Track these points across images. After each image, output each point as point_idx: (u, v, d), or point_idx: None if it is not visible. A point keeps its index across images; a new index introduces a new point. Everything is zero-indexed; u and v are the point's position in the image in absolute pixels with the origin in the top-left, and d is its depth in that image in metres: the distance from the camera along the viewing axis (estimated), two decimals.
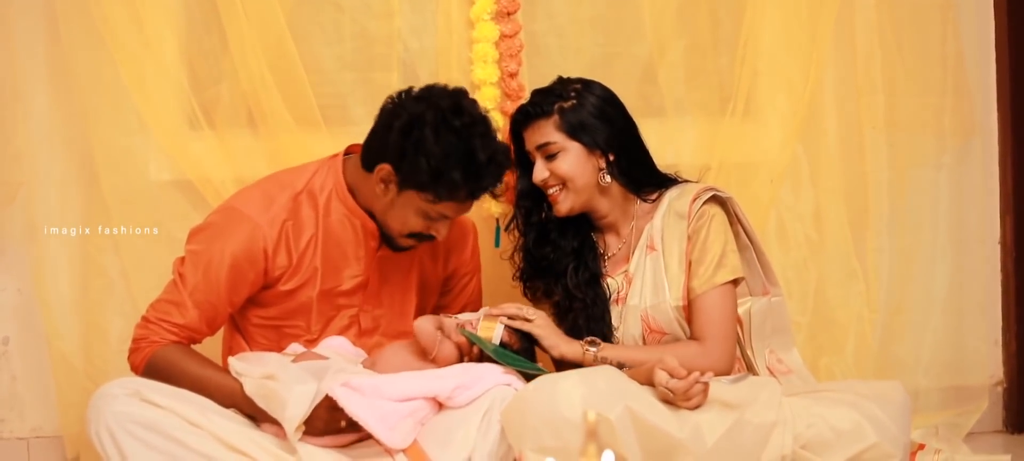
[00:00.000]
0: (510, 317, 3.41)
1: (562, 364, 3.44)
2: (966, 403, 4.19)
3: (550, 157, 3.47)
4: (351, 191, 3.42)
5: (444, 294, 3.70)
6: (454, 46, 3.89)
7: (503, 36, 3.89)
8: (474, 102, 3.36)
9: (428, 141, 3.22)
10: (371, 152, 3.34)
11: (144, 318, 3.36)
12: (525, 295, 3.66)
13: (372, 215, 3.41)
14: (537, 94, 3.55)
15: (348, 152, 3.48)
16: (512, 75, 3.89)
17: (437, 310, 3.64)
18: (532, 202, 3.59)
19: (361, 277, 3.47)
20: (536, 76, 3.89)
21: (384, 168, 3.28)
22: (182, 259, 3.38)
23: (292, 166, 3.55)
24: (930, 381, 4.18)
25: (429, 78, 3.89)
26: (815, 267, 4.10)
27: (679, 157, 3.94)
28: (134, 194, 3.85)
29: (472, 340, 3.35)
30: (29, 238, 3.90)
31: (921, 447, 3.64)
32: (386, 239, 3.43)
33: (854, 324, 4.09)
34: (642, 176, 3.55)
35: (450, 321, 3.38)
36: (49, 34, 3.84)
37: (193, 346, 3.39)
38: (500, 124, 3.89)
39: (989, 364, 4.27)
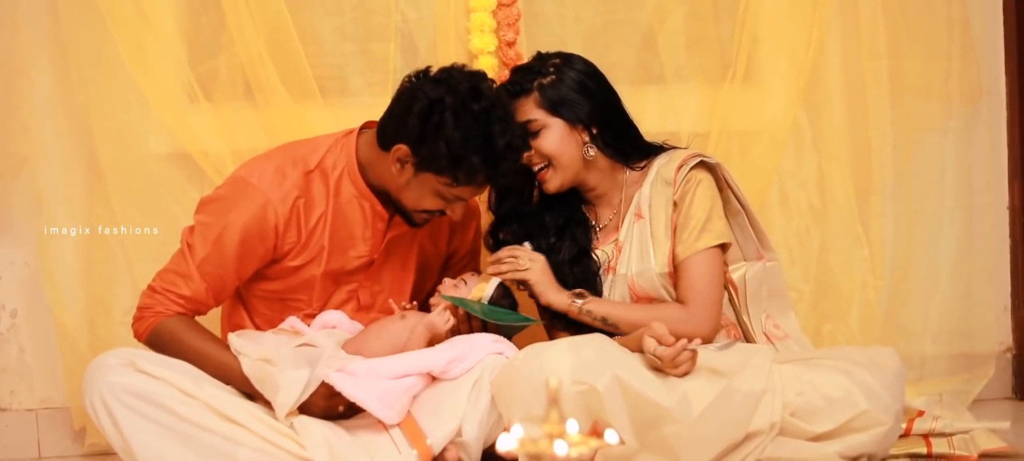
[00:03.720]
0: (505, 272, 3.42)
1: (551, 314, 3.46)
2: (973, 370, 4.15)
3: (533, 135, 3.43)
4: (363, 170, 3.40)
5: (444, 273, 3.69)
6: (452, 15, 3.88)
7: (500, 5, 3.88)
8: (491, 85, 3.33)
9: (447, 126, 3.20)
10: (388, 132, 3.32)
11: (150, 287, 3.36)
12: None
13: (381, 196, 3.40)
14: (516, 72, 3.53)
15: (364, 128, 3.47)
16: (510, 44, 3.88)
17: (435, 288, 3.64)
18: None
19: (366, 257, 3.47)
20: (534, 45, 3.87)
21: (401, 149, 3.26)
22: (191, 228, 3.38)
23: (303, 138, 3.54)
24: (937, 348, 4.15)
25: (427, 49, 3.92)
26: (818, 234, 4.07)
27: (680, 125, 3.92)
28: (133, 168, 3.88)
29: (457, 305, 3.37)
30: (35, 211, 3.94)
31: (920, 414, 3.61)
32: (401, 213, 3.42)
33: (858, 291, 4.06)
34: (628, 147, 3.53)
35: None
36: (51, 7, 3.86)
37: (197, 318, 3.41)
38: None
39: (997, 331, 4.23)
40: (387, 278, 3.53)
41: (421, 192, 3.32)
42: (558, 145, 3.43)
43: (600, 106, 3.47)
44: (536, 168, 3.45)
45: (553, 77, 3.45)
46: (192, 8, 3.89)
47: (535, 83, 3.44)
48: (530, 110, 3.44)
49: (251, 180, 3.36)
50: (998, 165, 4.21)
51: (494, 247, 3.57)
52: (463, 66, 3.36)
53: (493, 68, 3.87)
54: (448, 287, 3.45)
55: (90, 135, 3.89)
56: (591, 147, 3.46)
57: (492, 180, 3.36)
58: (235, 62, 3.86)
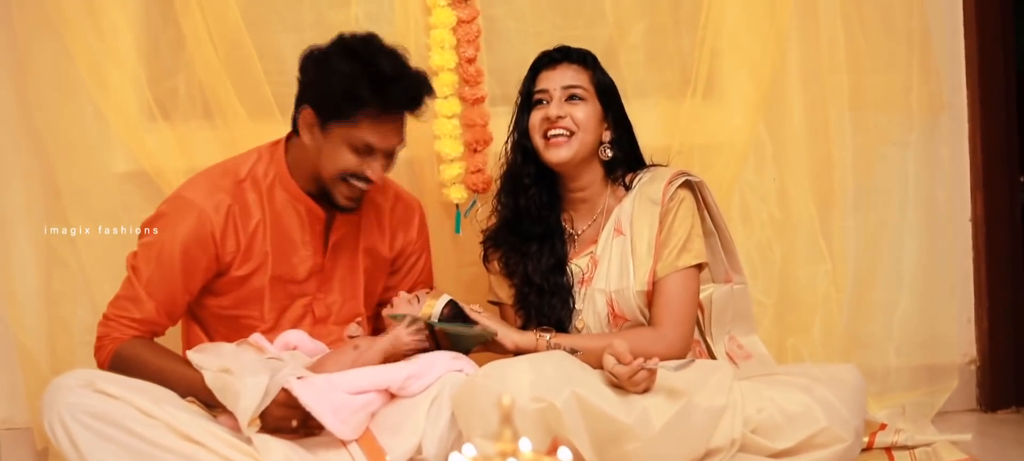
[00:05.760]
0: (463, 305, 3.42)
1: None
2: (937, 382, 4.15)
3: (572, 99, 3.49)
4: (293, 174, 3.44)
5: (393, 274, 3.68)
6: (411, 32, 3.88)
7: (460, 22, 3.88)
8: (381, 40, 3.38)
9: (333, 64, 3.29)
10: (295, 109, 3.40)
11: (105, 315, 3.40)
12: (486, 263, 3.65)
13: (316, 198, 3.43)
14: (575, 49, 3.58)
15: (290, 137, 3.49)
16: (470, 61, 3.88)
17: (386, 291, 3.64)
18: (524, 153, 3.56)
19: (311, 262, 3.49)
20: (495, 60, 3.90)
21: (305, 111, 3.34)
22: (135, 253, 3.42)
23: (234, 155, 3.57)
24: (901, 360, 4.15)
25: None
26: (780, 247, 4.08)
27: (641, 140, 3.86)
28: (90, 186, 3.87)
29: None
30: None
31: (883, 427, 3.62)
32: (331, 203, 3.42)
33: (821, 304, 4.06)
34: (623, 165, 3.55)
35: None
36: (7, 26, 3.85)
37: (156, 338, 3.43)
38: (458, 110, 3.89)
39: (961, 343, 4.24)
40: (337, 285, 3.54)
41: (333, 151, 3.34)
42: (589, 121, 3.49)
43: (623, 118, 3.56)
44: (557, 129, 3.47)
45: (603, 73, 3.55)
46: (151, 27, 3.89)
47: (594, 63, 3.55)
48: (584, 79, 3.52)
49: (185, 194, 3.42)
50: (960, 177, 4.22)
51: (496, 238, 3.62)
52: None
53: (453, 85, 3.88)
54: (401, 303, 3.44)
55: (49, 154, 3.87)
56: (608, 148, 3.51)
57: (387, 109, 3.32)
58: (194, 81, 3.86)
